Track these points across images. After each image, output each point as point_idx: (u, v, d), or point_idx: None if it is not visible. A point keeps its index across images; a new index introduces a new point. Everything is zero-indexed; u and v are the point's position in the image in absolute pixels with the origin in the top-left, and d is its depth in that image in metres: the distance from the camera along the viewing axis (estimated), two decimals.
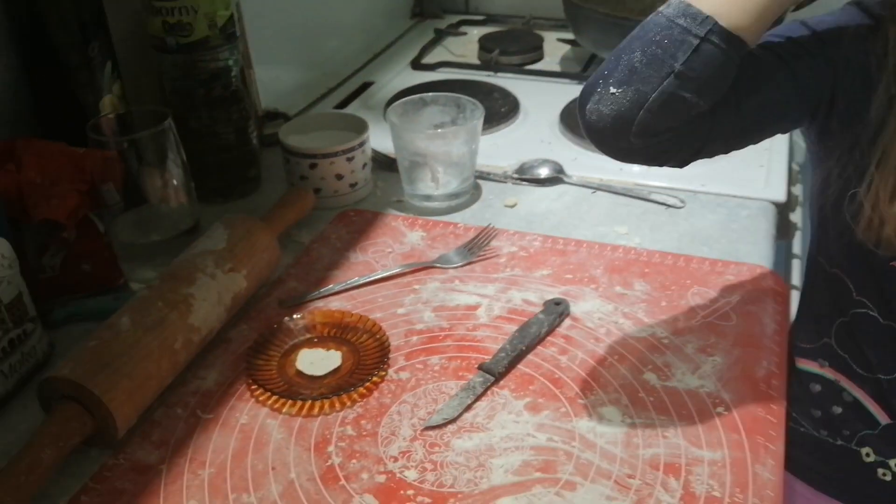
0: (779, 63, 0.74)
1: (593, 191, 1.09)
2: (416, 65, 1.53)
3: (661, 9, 0.69)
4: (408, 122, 1.06)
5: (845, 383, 0.89)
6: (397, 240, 1.00)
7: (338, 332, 0.84)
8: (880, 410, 0.87)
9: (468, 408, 0.75)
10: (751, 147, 0.79)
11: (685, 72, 0.67)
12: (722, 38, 0.67)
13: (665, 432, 0.72)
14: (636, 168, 1.13)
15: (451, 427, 0.73)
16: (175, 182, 0.96)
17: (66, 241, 0.87)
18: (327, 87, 1.44)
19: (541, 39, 1.58)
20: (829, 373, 0.90)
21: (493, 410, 0.75)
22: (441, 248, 0.97)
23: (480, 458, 0.70)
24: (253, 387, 0.78)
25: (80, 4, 0.95)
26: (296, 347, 0.83)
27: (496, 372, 0.78)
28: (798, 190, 1.26)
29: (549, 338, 0.83)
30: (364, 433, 0.73)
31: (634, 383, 0.77)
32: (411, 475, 0.69)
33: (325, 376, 0.79)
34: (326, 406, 0.75)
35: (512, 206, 1.07)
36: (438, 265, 0.95)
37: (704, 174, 1.10)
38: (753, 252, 0.96)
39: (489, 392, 0.77)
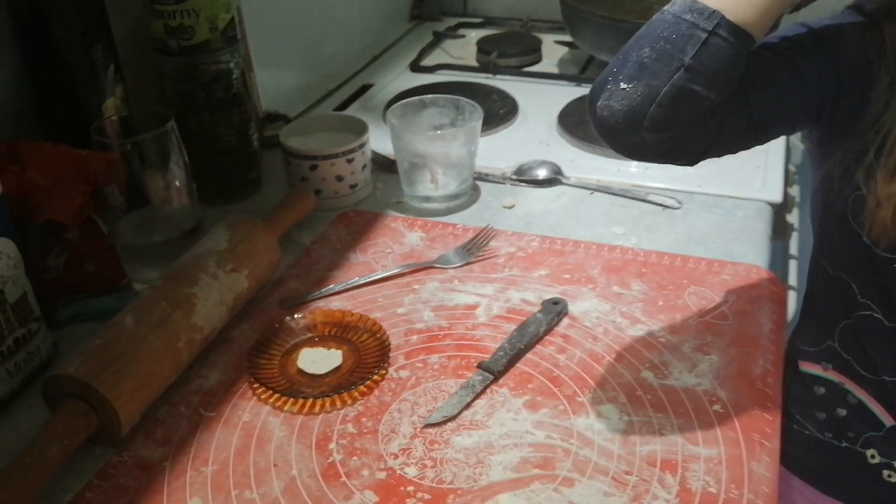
0: (784, 63, 0.75)
1: (591, 192, 1.10)
2: (415, 67, 1.53)
3: (666, 7, 0.70)
4: (407, 123, 1.07)
5: (849, 385, 0.89)
6: (397, 240, 1.01)
7: (338, 332, 0.85)
8: (885, 412, 0.87)
9: (467, 406, 0.76)
10: None
11: (695, 65, 0.67)
12: (729, 32, 0.67)
13: (662, 429, 0.73)
14: (633, 169, 1.14)
15: (450, 425, 0.74)
16: (177, 183, 0.97)
17: (69, 241, 0.87)
18: (327, 89, 1.45)
19: (539, 42, 1.59)
20: (832, 375, 0.90)
21: (492, 408, 0.76)
22: (440, 249, 0.98)
23: (480, 455, 0.71)
24: (255, 385, 0.79)
25: (83, 7, 0.96)
26: (297, 346, 0.84)
27: (495, 370, 0.79)
28: (795, 191, 1.27)
29: (547, 337, 0.84)
30: (365, 431, 0.74)
31: (632, 381, 0.78)
32: (411, 472, 0.70)
33: (326, 375, 0.80)
34: (327, 404, 0.76)
35: (510, 207, 1.08)
36: (438, 265, 0.95)
37: (701, 175, 1.11)
38: (750, 252, 0.97)
39: (488, 390, 0.78)
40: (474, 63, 1.55)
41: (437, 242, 1.00)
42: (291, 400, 0.77)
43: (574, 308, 0.88)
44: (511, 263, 0.95)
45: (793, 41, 0.76)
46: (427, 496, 0.67)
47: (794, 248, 1.22)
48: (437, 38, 1.68)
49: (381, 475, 0.69)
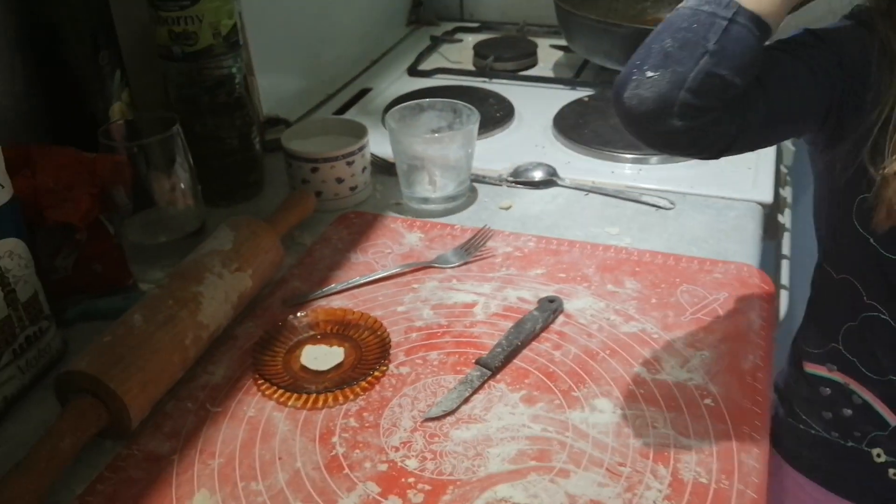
0: (797, 60, 0.76)
1: (586, 193, 1.12)
2: (413, 71, 1.55)
3: (681, 4, 0.72)
4: (406, 127, 1.09)
5: (854, 386, 0.90)
6: (396, 241, 1.03)
7: (340, 330, 0.87)
8: (890, 412, 0.88)
9: (466, 400, 0.78)
10: None
11: (719, 51, 0.69)
12: (748, 19, 0.69)
13: (654, 423, 0.75)
14: (627, 171, 1.16)
15: (449, 419, 0.76)
16: (182, 185, 0.99)
17: (78, 242, 0.89)
18: (326, 93, 1.46)
19: (534, 46, 1.61)
20: (837, 376, 0.91)
21: (489, 403, 0.78)
22: (439, 249, 1.00)
23: (478, 448, 0.73)
24: (259, 381, 0.81)
25: (91, 15, 0.98)
26: (300, 344, 0.86)
27: (493, 366, 0.81)
28: (787, 192, 1.29)
29: (543, 334, 0.86)
30: (367, 425, 0.76)
31: (625, 376, 0.80)
32: (412, 464, 0.72)
33: (329, 371, 0.82)
34: (330, 399, 0.78)
35: (507, 208, 1.10)
36: (436, 265, 0.97)
37: (693, 176, 1.14)
38: (741, 251, 0.99)
39: (486, 385, 0.80)
40: (471, 67, 1.57)
41: (436, 243, 1.02)
42: (295, 395, 0.79)
43: (569, 306, 0.90)
44: (508, 263, 0.97)
45: (798, 42, 0.78)
46: (427, 487, 0.69)
47: (786, 248, 1.23)
48: (435, 43, 1.69)
49: (383, 467, 0.71)
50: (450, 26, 1.79)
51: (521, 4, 1.77)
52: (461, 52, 1.66)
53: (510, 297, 0.92)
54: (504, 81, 1.50)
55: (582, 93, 1.41)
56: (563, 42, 1.58)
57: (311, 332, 0.87)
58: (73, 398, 0.73)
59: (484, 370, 0.81)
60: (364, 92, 1.48)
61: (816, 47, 0.77)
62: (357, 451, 0.73)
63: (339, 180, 1.08)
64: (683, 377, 0.80)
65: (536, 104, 1.38)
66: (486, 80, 1.50)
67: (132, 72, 1.05)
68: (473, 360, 0.82)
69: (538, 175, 1.15)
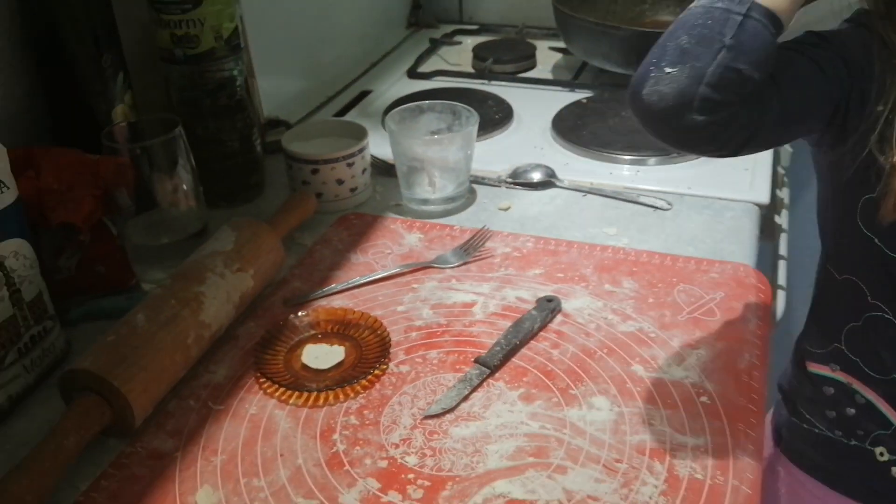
0: (808, 60, 0.77)
1: (584, 194, 1.13)
2: (413, 74, 1.56)
3: (692, 4, 0.73)
4: (405, 128, 1.10)
5: (857, 386, 0.90)
6: (396, 241, 1.04)
7: (341, 329, 0.88)
8: (893, 411, 0.89)
9: (465, 398, 0.79)
10: None
11: (736, 45, 0.69)
12: (762, 15, 0.70)
13: (651, 420, 0.76)
14: (625, 172, 1.17)
15: (449, 416, 0.77)
16: (184, 187, 1.00)
17: (81, 243, 0.90)
18: (327, 95, 1.47)
19: (533, 48, 1.62)
20: (840, 376, 0.91)
21: (488, 400, 0.79)
22: (438, 249, 1.01)
23: (477, 445, 0.74)
24: (261, 380, 0.82)
25: (94, 18, 0.99)
26: (301, 343, 0.86)
27: (491, 365, 0.82)
28: (784, 193, 1.29)
29: (541, 333, 0.87)
30: (367, 422, 0.77)
31: (622, 375, 0.81)
32: (412, 460, 0.73)
33: (330, 370, 0.83)
34: (331, 397, 0.79)
35: (506, 209, 1.11)
36: (436, 265, 0.98)
37: (691, 177, 1.15)
38: (737, 251, 1.00)
39: (485, 384, 0.81)
40: (470, 69, 1.58)
41: (436, 243, 1.03)
42: (296, 393, 0.80)
43: (567, 305, 0.91)
44: (507, 263, 0.98)
45: (805, 42, 0.79)
46: (427, 483, 0.70)
47: (783, 248, 1.24)
48: (434, 45, 1.70)
49: (383, 464, 0.72)
50: (449, 29, 1.80)
51: (520, 7, 1.78)
52: (460, 54, 1.67)
53: (509, 297, 0.92)
54: (503, 83, 1.50)
55: (580, 94, 1.41)
56: (561, 44, 1.59)
57: (312, 332, 0.88)
58: (78, 396, 0.74)
59: (483, 369, 0.82)
60: (364, 94, 1.49)
61: (822, 47, 0.78)
62: (357, 447, 0.74)
63: (340, 182, 1.09)
64: (680, 375, 0.81)
65: (535, 106, 1.39)
66: (486, 82, 1.51)
67: (134, 74, 1.06)
68: (472, 359, 0.83)
69: (537, 176, 1.16)
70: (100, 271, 0.93)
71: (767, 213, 1.13)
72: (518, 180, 1.16)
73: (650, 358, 0.83)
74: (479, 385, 0.81)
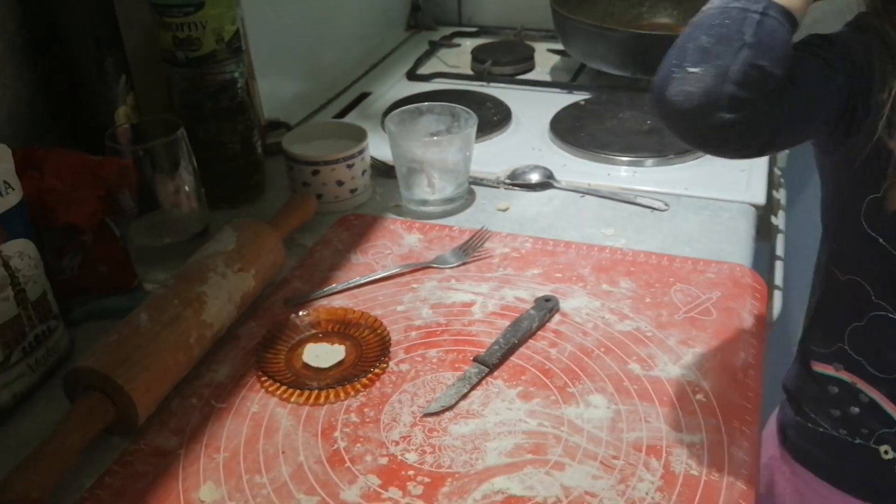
0: (818, 60, 0.78)
1: (582, 195, 1.14)
2: (412, 76, 1.56)
3: (707, 5, 0.74)
4: (405, 130, 1.11)
5: (861, 385, 0.91)
6: (396, 242, 1.05)
7: (341, 328, 0.89)
8: None
9: (464, 396, 0.80)
10: None
11: (756, 43, 0.70)
12: (778, 12, 0.71)
13: (648, 417, 0.77)
14: (623, 173, 1.18)
15: (448, 414, 0.78)
16: (187, 188, 1.01)
17: (84, 244, 0.91)
18: (326, 97, 1.48)
19: (532, 50, 1.62)
20: (844, 375, 0.92)
21: (487, 398, 0.80)
22: (437, 250, 1.02)
23: (476, 442, 0.75)
24: (263, 378, 0.83)
25: (97, 21, 1.00)
26: (302, 342, 0.87)
27: (490, 363, 0.83)
28: (781, 195, 1.30)
29: (539, 332, 0.88)
30: (367, 420, 0.78)
31: (619, 373, 0.82)
32: (412, 457, 0.74)
33: (330, 368, 0.84)
34: (332, 395, 0.80)
35: (504, 210, 1.11)
36: (435, 265, 0.99)
37: (688, 178, 1.16)
38: (734, 252, 1.00)
39: (484, 382, 0.82)
40: (469, 71, 1.58)
41: (435, 244, 1.04)
42: (298, 392, 0.81)
43: (565, 305, 0.92)
44: (505, 263, 0.99)
45: (811, 44, 0.79)
46: (427, 479, 0.71)
47: (780, 249, 1.25)
48: (433, 48, 1.70)
49: (384, 461, 0.73)
50: (448, 31, 1.80)
51: (519, 9, 1.78)
52: (459, 56, 1.67)
53: (507, 297, 0.93)
54: (501, 85, 1.51)
55: (578, 96, 1.42)
56: (559, 46, 1.59)
57: (313, 331, 0.89)
58: (82, 395, 0.75)
59: (482, 367, 0.83)
60: (363, 96, 1.50)
61: (827, 48, 0.79)
62: (358, 445, 0.75)
63: (340, 183, 1.10)
64: (676, 373, 0.82)
65: (533, 108, 1.39)
66: (484, 84, 1.52)
67: (136, 76, 1.07)
68: (471, 358, 0.84)
69: (535, 177, 1.16)
70: (103, 271, 0.94)
71: (764, 214, 1.14)
72: (516, 181, 1.17)
73: (647, 357, 0.84)
74: (478, 383, 0.81)
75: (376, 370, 0.83)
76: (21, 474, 0.68)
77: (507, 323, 0.88)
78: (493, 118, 1.35)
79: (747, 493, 0.70)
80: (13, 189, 0.77)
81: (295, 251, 1.03)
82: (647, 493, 0.69)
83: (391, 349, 0.86)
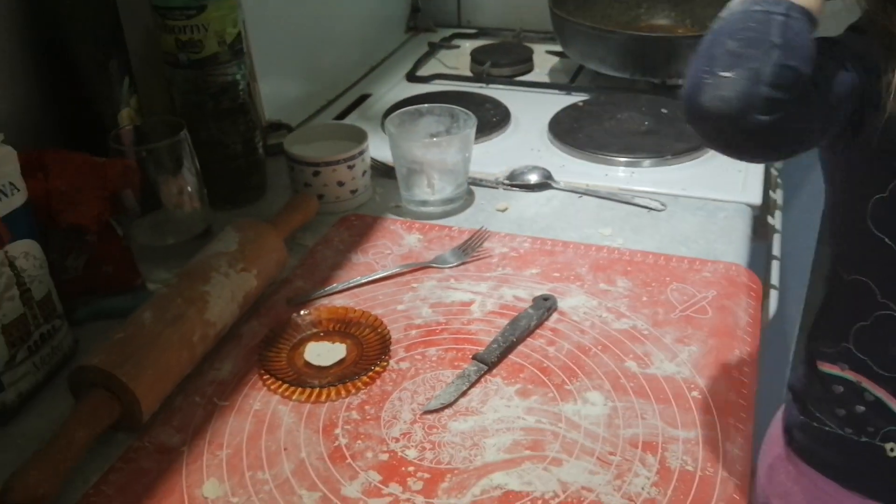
0: (831, 60, 0.78)
1: (580, 195, 1.15)
2: (411, 77, 1.57)
3: (725, 11, 0.74)
4: (405, 132, 1.12)
5: (866, 384, 0.91)
6: (396, 242, 1.06)
7: (342, 327, 0.90)
8: None
9: (463, 394, 0.81)
10: None
11: (784, 44, 0.70)
12: (799, 13, 0.71)
13: (644, 414, 0.78)
14: (620, 174, 1.19)
15: (447, 411, 0.79)
16: (189, 189, 1.02)
17: (88, 244, 0.92)
18: (327, 99, 1.49)
19: (530, 52, 1.63)
20: (850, 375, 0.92)
21: (486, 396, 0.81)
22: (437, 250, 1.03)
23: (475, 439, 0.76)
24: (265, 376, 0.84)
25: (100, 24, 1.01)
26: (303, 341, 0.88)
27: (489, 361, 0.84)
28: (778, 195, 1.31)
29: (537, 330, 0.89)
30: (368, 417, 0.79)
31: (616, 371, 0.83)
32: (412, 454, 0.75)
33: (332, 366, 0.85)
34: (333, 393, 0.81)
35: (503, 211, 1.12)
36: (435, 265, 1.00)
37: (685, 179, 1.17)
38: (730, 251, 1.02)
39: (482, 379, 0.83)
40: (468, 73, 1.59)
41: (434, 244, 1.05)
42: (299, 389, 0.82)
43: (563, 304, 0.93)
44: (504, 263, 1.00)
45: (828, 48, 0.79)
46: (426, 475, 0.72)
47: (776, 249, 1.26)
48: (433, 49, 1.71)
49: (384, 457, 0.74)
50: (447, 33, 1.81)
51: (518, 11, 1.79)
52: (458, 58, 1.68)
53: (506, 296, 0.95)
54: (500, 87, 1.52)
55: (577, 98, 1.43)
56: (558, 48, 1.60)
57: (315, 330, 0.90)
58: (87, 392, 0.76)
59: (480, 365, 0.84)
60: (364, 97, 1.51)
61: (835, 49, 0.80)
62: (359, 441, 0.76)
63: (340, 184, 1.11)
64: (672, 371, 0.83)
65: (532, 109, 1.40)
66: (483, 85, 1.52)
67: (139, 78, 1.08)
68: (471, 356, 0.85)
69: (533, 178, 1.17)
70: (107, 271, 0.95)
71: (760, 214, 1.15)
72: (515, 182, 1.18)
73: (643, 354, 0.85)
74: (477, 381, 0.82)
75: (377, 368, 0.84)
76: (28, 471, 0.69)
77: (505, 322, 0.89)
78: (492, 119, 1.35)
79: (741, 487, 0.71)
80: (18, 190, 0.79)
81: (296, 251, 1.05)
82: (643, 489, 0.71)
83: (391, 348, 0.87)
